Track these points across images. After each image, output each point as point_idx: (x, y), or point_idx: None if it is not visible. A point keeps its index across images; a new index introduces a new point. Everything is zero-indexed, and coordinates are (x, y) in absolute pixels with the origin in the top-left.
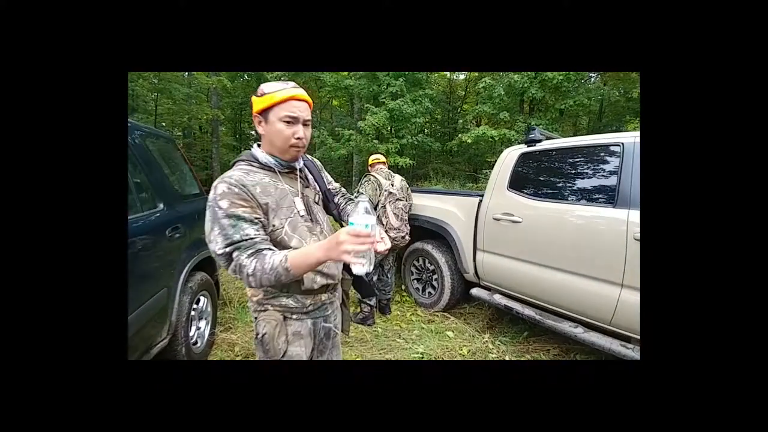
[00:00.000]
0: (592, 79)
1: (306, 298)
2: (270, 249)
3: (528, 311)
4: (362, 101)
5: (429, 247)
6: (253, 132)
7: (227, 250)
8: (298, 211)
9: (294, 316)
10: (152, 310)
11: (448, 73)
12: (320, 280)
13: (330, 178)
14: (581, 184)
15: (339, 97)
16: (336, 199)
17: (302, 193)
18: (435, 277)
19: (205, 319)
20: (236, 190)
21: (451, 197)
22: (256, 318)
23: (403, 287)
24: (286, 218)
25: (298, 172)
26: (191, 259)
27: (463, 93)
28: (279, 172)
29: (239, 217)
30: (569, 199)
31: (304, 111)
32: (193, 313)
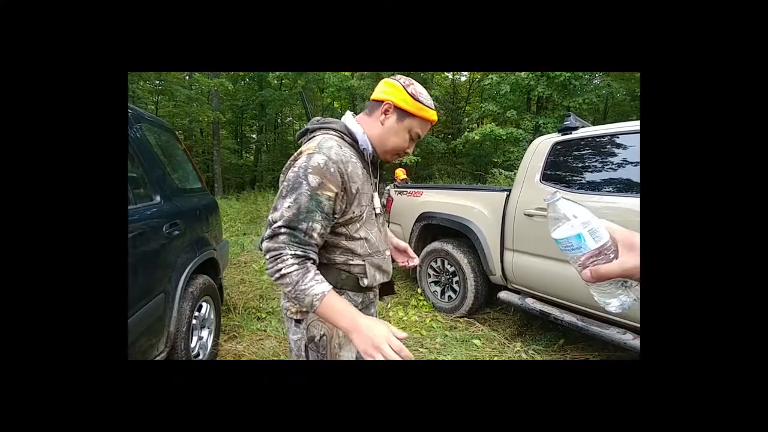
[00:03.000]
0: (596, 81)
1: (358, 295)
2: (315, 262)
3: (568, 317)
4: (365, 102)
5: (449, 247)
6: (254, 135)
7: (282, 229)
8: (375, 207)
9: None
10: (147, 320)
11: (450, 74)
12: (379, 278)
13: None
14: (630, 175)
15: (341, 98)
16: None
17: (375, 183)
18: (456, 279)
19: (208, 327)
20: (333, 169)
21: (474, 192)
22: (298, 322)
23: (419, 291)
24: (366, 204)
25: (378, 163)
26: (192, 260)
27: (466, 94)
28: (367, 159)
29: (319, 204)
30: (617, 191)
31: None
32: (194, 321)
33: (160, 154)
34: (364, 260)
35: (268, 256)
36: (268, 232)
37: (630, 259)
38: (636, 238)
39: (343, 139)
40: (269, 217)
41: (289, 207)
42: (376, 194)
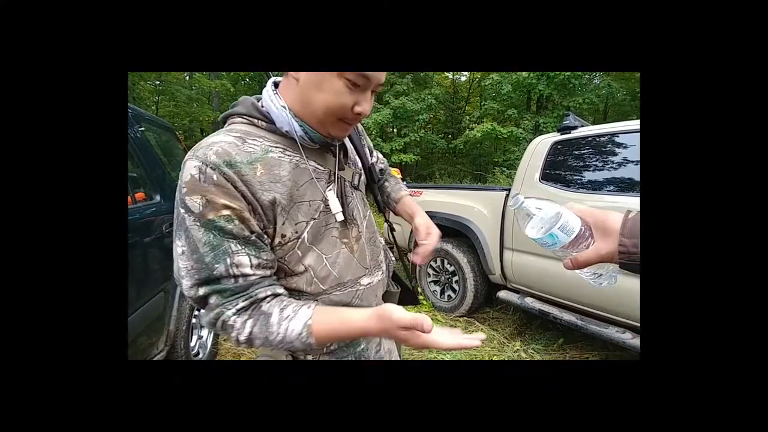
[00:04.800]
0: (596, 80)
1: None
2: (274, 295)
3: (567, 316)
4: None
5: (449, 247)
6: None
7: (200, 292)
8: (334, 213)
9: (309, 357)
10: (147, 318)
11: (450, 74)
12: None
13: (370, 144)
14: (630, 174)
15: None
16: (380, 179)
17: (336, 178)
18: (455, 279)
19: None
20: (215, 176)
21: (474, 192)
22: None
23: (419, 290)
24: (307, 220)
25: (336, 148)
26: None
27: (467, 94)
28: (304, 146)
29: (223, 230)
30: (617, 190)
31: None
32: (194, 320)
33: (160, 153)
34: (316, 299)
35: (216, 330)
36: (190, 299)
37: (605, 245)
38: (610, 219)
39: (254, 124)
40: (175, 277)
41: (183, 253)
42: (330, 193)
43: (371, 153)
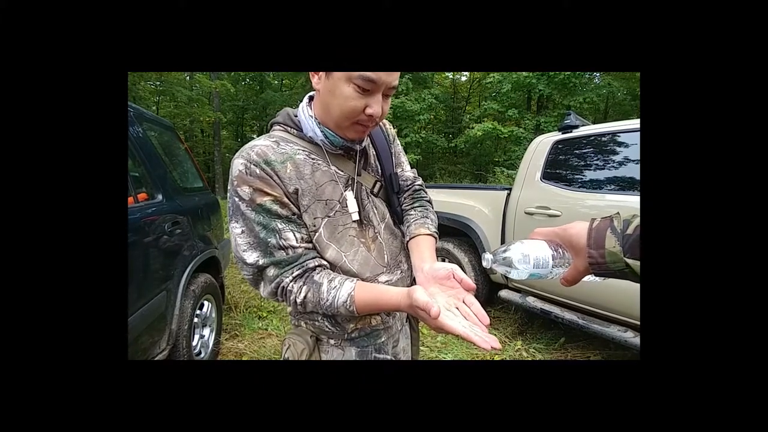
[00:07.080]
0: (597, 80)
1: (347, 321)
2: (320, 266)
3: (569, 315)
4: None
5: (450, 246)
6: (254, 136)
7: (260, 262)
8: (350, 213)
9: (331, 341)
10: (149, 317)
11: (451, 74)
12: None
13: (403, 158)
14: (631, 173)
15: None
16: (404, 197)
17: (354, 182)
18: None
19: (210, 326)
20: (257, 170)
21: (474, 191)
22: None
23: None
24: (323, 216)
25: (357, 154)
26: (194, 258)
27: (467, 94)
28: (327, 151)
29: (269, 211)
30: (618, 189)
31: (391, 74)
32: (196, 320)
33: (161, 153)
34: None
35: (278, 299)
36: (246, 273)
37: (580, 261)
38: (574, 236)
39: (287, 131)
40: (236, 258)
41: (242, 232)
42: (349, 194)
43: (399, 164)
